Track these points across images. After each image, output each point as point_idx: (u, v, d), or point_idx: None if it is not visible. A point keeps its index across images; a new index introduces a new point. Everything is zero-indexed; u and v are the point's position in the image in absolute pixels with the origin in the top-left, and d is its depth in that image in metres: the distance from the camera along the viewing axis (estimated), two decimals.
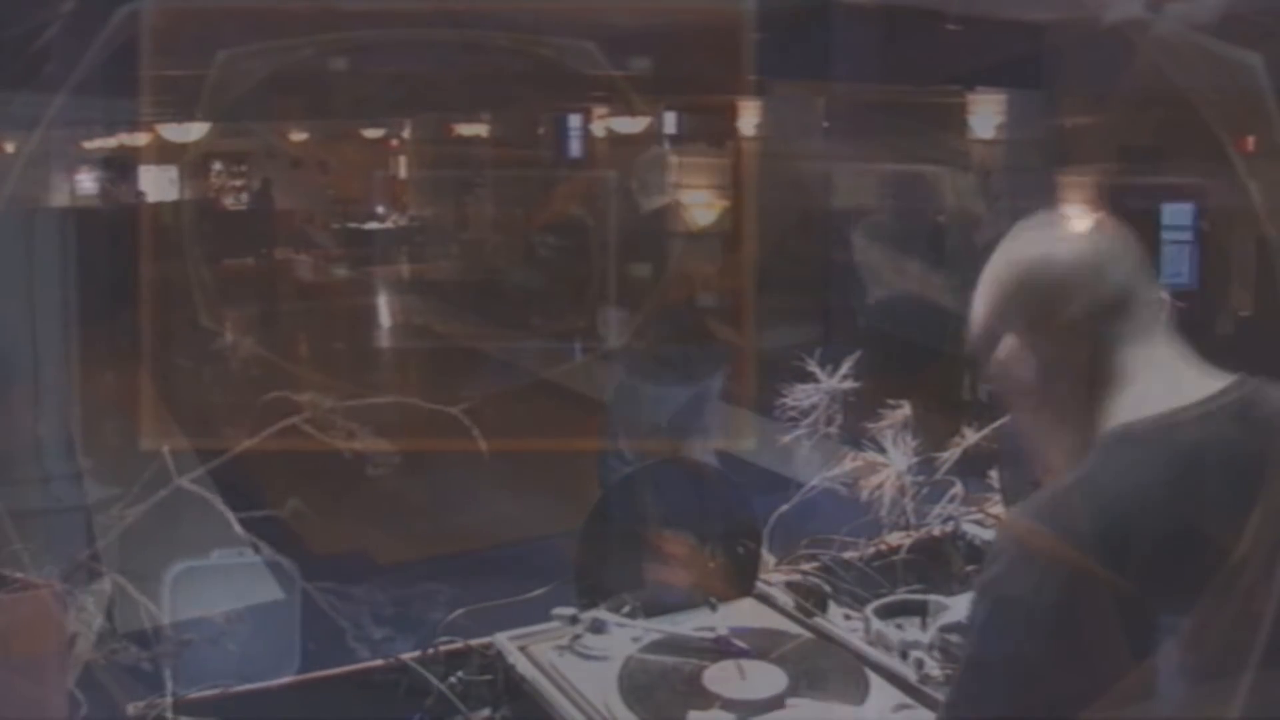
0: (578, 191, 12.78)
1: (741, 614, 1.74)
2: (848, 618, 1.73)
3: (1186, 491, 1.08)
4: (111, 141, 12.81)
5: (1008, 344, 1.19)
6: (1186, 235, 8.77)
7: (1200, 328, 1.36)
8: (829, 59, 6.49)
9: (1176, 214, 8.80)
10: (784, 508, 2.04)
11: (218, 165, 15.21)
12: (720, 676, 1.52)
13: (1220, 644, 1.04)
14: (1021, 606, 1.07)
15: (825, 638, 1.67)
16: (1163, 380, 1.15)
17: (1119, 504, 1.07)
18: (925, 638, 1.56)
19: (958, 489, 2.11)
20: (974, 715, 1.12)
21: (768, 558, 1.93)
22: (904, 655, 1.56)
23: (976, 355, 1.24)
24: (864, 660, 1.58)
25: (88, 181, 12.33)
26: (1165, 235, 8.71)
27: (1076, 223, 1.21)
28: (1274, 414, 1.14)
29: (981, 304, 1.23)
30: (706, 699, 1.47)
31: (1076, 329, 1.16)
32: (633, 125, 12.10)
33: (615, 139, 12.51)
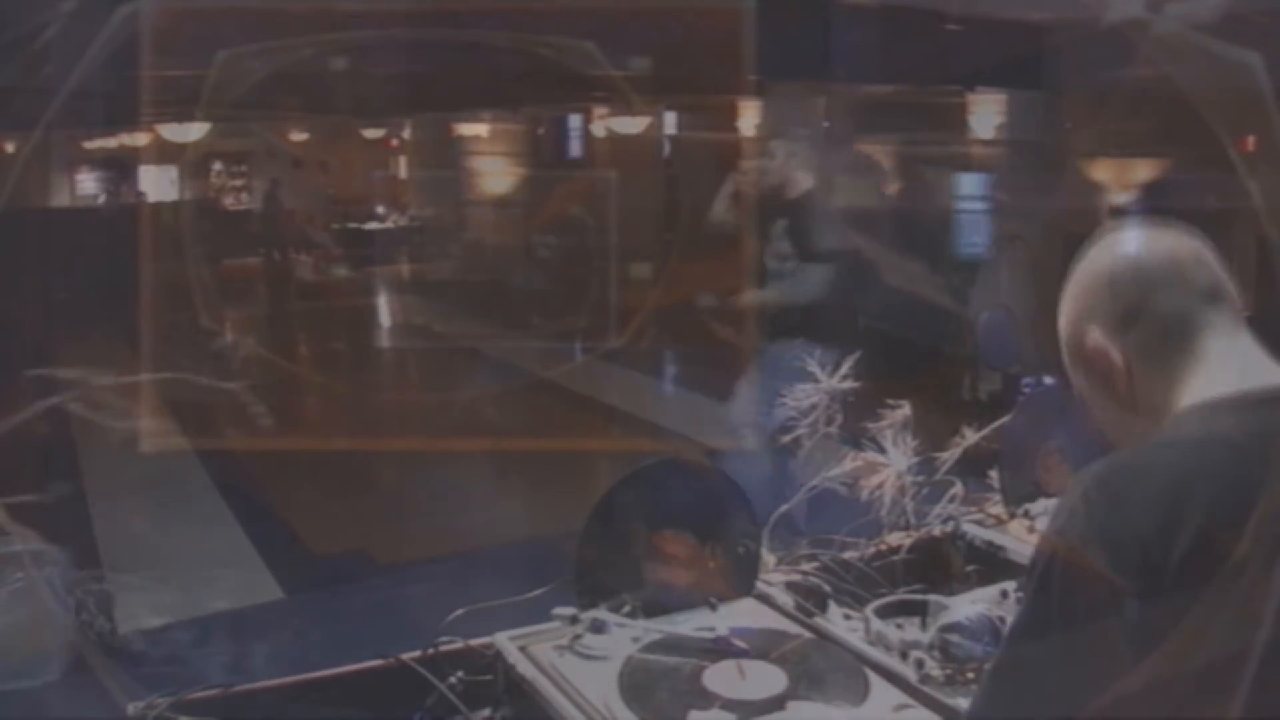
0: (578, 191, 12.77)
1: (741, 614, 1.74)
2: (848, 618, 1.73)
3: (1248, 472, 1.10)
4: (111, 141, 12.81)
5: (1093, 337, 1.25)
6: (981, 205, 8.68)
7: None
8: (829, 59, 6.48)
9: (971, 183, 8.73)
10: (784, 507, 2.04)
11: (218, 165, 15.22)
12: (720, 676, 1.52)
13: (1223, 639, 1.03)
14: (1080, 566, 1.09)
15: (825, 638, 1.66)
16: (1236, 367, 1.21)
17: (1187, 474, 1.10)
18: (925, 638, 1.56)
19: (958, 489, 2.11)
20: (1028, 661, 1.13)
21: (768, 558, 1.93)
22: (904, 655, 1.56)
23: (1065, 355, 1.31)
24: (864, 660, 1.58)
25: (88, 181, 12.32)
26: (960, 205, 8.66)
27: (1155, 228, 1.29)
28: None
29: (1069, 305, 1.30)
30: (706, 699, 1.46)
31: (1162, 324, 1.23)
32: (633, 125, 12.10)
33: (615, 139, 12.51)
